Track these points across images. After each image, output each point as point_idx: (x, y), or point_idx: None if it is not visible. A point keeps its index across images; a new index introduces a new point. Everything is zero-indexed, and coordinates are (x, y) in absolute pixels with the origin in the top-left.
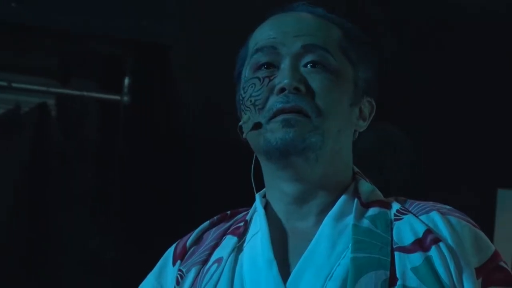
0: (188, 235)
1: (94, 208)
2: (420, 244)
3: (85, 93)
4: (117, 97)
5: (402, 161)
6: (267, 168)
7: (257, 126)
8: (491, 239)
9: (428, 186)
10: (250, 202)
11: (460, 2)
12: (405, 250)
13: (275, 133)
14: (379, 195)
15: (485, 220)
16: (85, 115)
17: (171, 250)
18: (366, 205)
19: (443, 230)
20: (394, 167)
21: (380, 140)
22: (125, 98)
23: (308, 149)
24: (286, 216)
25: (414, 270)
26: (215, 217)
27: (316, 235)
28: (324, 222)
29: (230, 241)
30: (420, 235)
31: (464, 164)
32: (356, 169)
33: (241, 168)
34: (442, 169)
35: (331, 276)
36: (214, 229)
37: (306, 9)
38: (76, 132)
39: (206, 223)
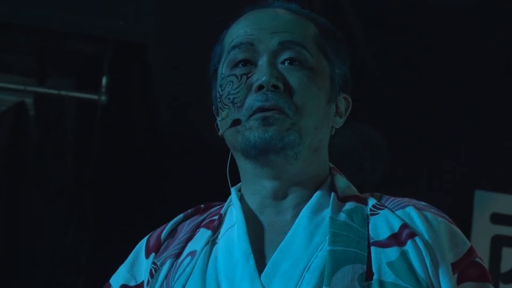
0: (162, 227)
1: (71, 206)
2: (396, 239)
3: (63, 92)
4: (95, 96)
5: (379, 161)
6: (244, 166)
7: (236, 123)
8: (468, 240)
9: (404, 186)
10: (225, 197)
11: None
12: (381, 244)
13: (253, 131)
14: (354, 190)
15: (462, 221)
16: (63, 114)
17: (143, 242)
18: (342, 200)
19: (419, 225)
20: (371, 167)
21: (359, 139)
22: (103, 97)
23: (286, 147)
24: (262, 210)
25: (390, 264)
26: (189, 210)
27: (293, 227)
28: (301, 214)
29: (204, 234)
30: (396, 229)
31: (442, 165)
32: (331, 165)
33: (218, 164)
34: (419, 170)
35: (309, 268)
36: (188, 221)
37: (282, 5)
38: (54, 131)
39: (180, 216)
